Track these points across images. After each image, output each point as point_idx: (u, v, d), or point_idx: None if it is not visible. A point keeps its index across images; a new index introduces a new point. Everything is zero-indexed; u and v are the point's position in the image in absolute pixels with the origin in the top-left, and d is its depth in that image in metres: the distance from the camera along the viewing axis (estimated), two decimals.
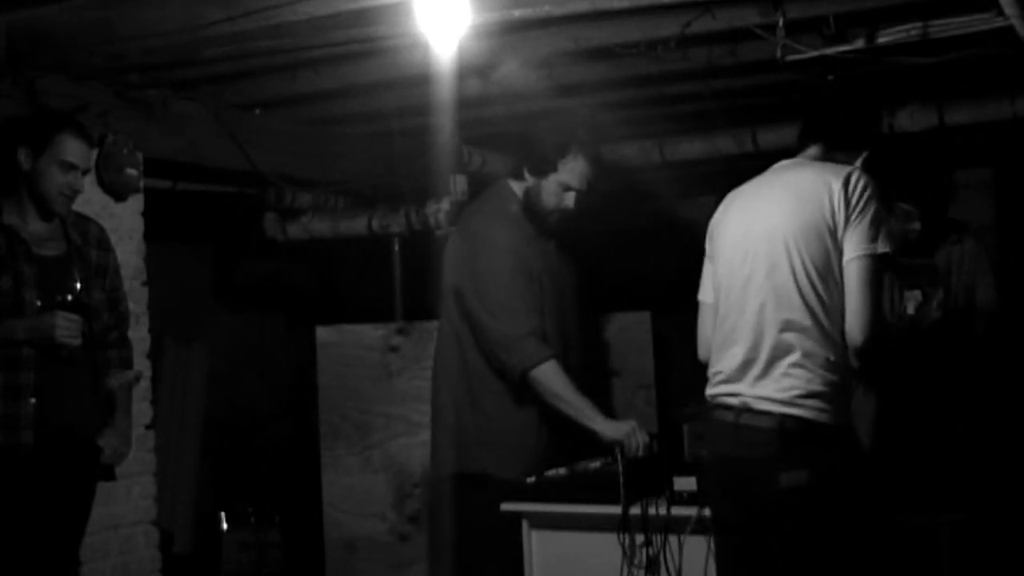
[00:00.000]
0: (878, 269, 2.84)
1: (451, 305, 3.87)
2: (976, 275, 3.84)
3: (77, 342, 3.40)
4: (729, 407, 2.91)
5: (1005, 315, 3.85)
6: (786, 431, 2.79)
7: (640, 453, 3.49)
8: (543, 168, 3.76)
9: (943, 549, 3.08)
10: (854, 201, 2.84)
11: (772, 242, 2.89)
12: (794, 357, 2.82)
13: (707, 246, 3.15)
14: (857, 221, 2.83)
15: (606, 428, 3.59)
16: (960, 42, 3.72)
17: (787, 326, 2.84)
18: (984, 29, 3.56)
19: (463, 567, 3.93)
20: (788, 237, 2.87)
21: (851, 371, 2.88)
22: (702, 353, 3.13)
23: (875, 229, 2.83)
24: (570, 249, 4.02)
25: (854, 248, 2.82)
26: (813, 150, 3.07)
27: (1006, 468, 3.74)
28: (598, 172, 3.86)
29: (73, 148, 3.46)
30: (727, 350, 2.95)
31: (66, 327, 3.36)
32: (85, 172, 3.54)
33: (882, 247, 2.83)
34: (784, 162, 3.10)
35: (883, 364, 3.03)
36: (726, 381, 2.94)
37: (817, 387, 2.81)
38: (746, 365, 2.89)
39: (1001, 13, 3.36)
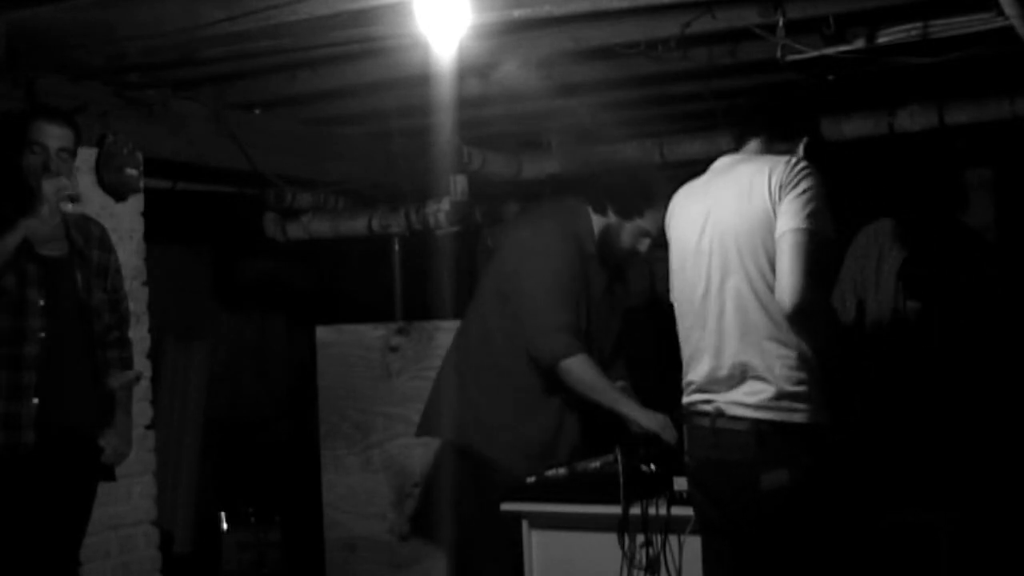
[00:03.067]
0: (809, 243, 2.78)
1: (492, 304, 3.94)
2: (978, 289, 3.81)
3: (76, 195, 3.40)
4: (705, 414, 2.92)
5: (1004, 320, 3.82)
6: (762, 434, 2.81)
7: (674, 443, 3.51)
8: (630, 212, 3.87)
9: (941, 547, 3.07)
10: (787, 180, 2.82)
11: (724, 247, 2.90)
12: (760, 363, 2.82)
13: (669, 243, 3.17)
14: (790, 198, 2.81)
15: (641, 416, 3.65)
16: (960, 42, 3.72)
17: (748, 333, 2.84)
18: (984, 29, 3.56)
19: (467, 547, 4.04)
20: (739, 240, 2.87)
21: (824, 367, 2.86)
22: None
23: (808, 207, 2.80)
24: (620, 296, 4.09)
25: (785, 223, 2.80)
26: (753, 144, 3.05)
27: (1004, 467, 3.74)
28: None
29: (41, 128, 3.43)
30: (696, 361, 2.97)
31: (54, 188, 3.35)
32: (61, 150, 3.45)
33: (816, 225, 2.79)
34: (725, 159, 3.09)
35: (820, 337, 2.99)
36: (699, 391, 2.96)
37: (789, 388, 2.81)
38: (715, 375, 2.91)
39: (1001, 13, 3.36)
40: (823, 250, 2.85)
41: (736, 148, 3.10)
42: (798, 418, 2.81)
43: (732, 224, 2.89)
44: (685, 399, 3.01)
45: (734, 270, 2.87)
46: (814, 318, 2.83)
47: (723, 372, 2.89)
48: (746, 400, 2.84)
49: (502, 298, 3.90)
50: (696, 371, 2.97)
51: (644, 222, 3.87)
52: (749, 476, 2.80)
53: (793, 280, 2.77)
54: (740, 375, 2.86)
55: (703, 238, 2.96)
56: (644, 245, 3.92)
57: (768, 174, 2.85)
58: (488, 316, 3.95)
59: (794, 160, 2.87)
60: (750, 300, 2.85)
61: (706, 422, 2.91)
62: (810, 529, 2.79)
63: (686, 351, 3.02)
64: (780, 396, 2.81)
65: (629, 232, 3.89)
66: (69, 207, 3.43)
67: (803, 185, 2.82)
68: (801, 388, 2.81)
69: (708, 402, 2.93)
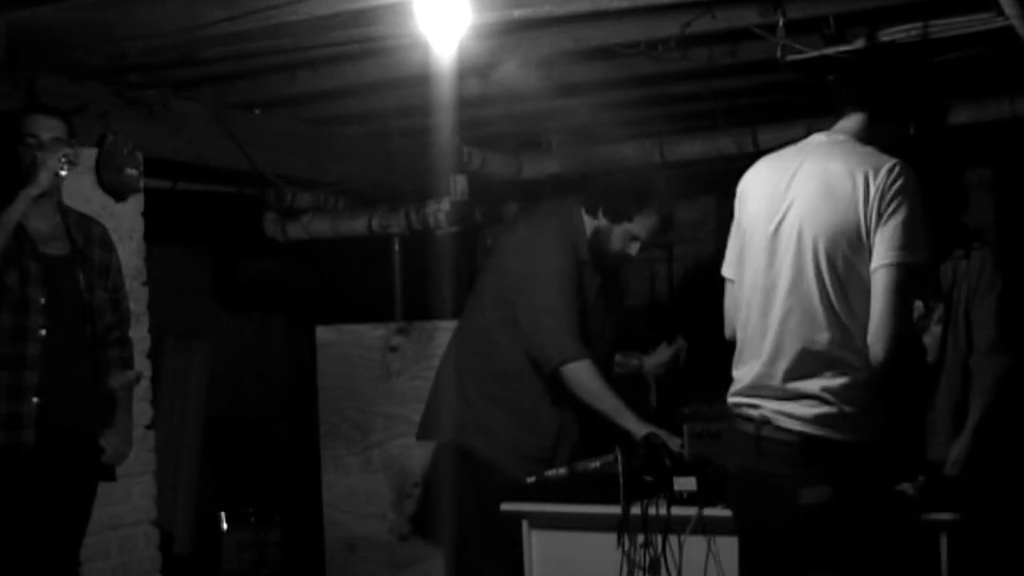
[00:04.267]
0: (907, 279, 2.59)
1: (491, 306, 3.94)
2: (976, 293, 3.79)
3: (75, 157, 3.43)
4: (750, 419, 2.77)
5: (1002, 334, 3.79)
6: (808, 449, 2.66)
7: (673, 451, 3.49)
8: (619, 215, 3.87)
9: (942, 549, 3.07)
10: (888, 193, 2.60)
11: (800, 247, 2.70)
12: (818, 378, 2.67)
13: (736, 208, 2.93)
14: (888, 222, 2.59)
15: (639, 429, 3.61)
16: (960, 42, 3.71)
17: (810, 344, 2.67)
18: (984, 29, 3.55)
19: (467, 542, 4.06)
20: (817, 242, 2.67)
21: (882, 385, 2.70)
22: (727, 331, 2.99)
23: (908, 233, 2.58)
24: (613, 297, 4.10)
25: (882, 255, 2.59)
26: (854, 120, 2.81)
27: (1005, 468, 3.74)
28: (666, 230, 3.97)
29: (35, 121, 3.46)
30: (748, 360, 2.81)
31: (52, 153, 3.37)
32: (56, 140, 3.46)
33: (914, 255, 2.59)
34: (820, 137, 2.85)
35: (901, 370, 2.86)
36: (745, 394, 2.81)
37: (843, 406, 2.66)
38: (767, 379, 2.75)
39: (1001, 13, 3.35)
40: (921, 278, 2.68)
41: (832, 123, 2.86)
42: (847, 436, 2.65)
43: (814, 224, 2.68)
44: (730, 398, 2.85)
45: (808, 275, 2.68)
46: (904, 361, 2.67)
47: (775, 382, 2.72)
48: (796, 412, 2.68)
49: (502, 302, 3.89)
50: (745, 371, 2.81)
51: (633, 226, 3.87)
52: (790, 489, 2.67)
53: (890, 330, 2.59)
54: (797, 379, 2.70)
55: (780, 230, 2.75)
56: (633, 249, 3.91)
57: (865, 180, 2.62)
58: (488, 319, 3.94)
59: (897, 169, 2.63)
60: (819, 313, 2.67)
61: (750, 428, 2.76)
62: (846, 544, 2.69)
63: (739, 338, 2.85)
64: (834, 415, 2.65)
65: (618, 235, 3.89)
66: (64, 171, 3.42)
67: (905, 207, 2.60)
68: (857, 408, 2.66)
69: (754, 407, 2.76)
